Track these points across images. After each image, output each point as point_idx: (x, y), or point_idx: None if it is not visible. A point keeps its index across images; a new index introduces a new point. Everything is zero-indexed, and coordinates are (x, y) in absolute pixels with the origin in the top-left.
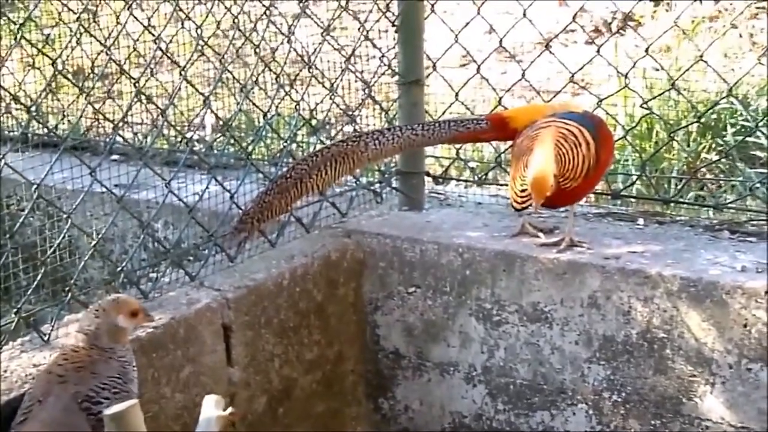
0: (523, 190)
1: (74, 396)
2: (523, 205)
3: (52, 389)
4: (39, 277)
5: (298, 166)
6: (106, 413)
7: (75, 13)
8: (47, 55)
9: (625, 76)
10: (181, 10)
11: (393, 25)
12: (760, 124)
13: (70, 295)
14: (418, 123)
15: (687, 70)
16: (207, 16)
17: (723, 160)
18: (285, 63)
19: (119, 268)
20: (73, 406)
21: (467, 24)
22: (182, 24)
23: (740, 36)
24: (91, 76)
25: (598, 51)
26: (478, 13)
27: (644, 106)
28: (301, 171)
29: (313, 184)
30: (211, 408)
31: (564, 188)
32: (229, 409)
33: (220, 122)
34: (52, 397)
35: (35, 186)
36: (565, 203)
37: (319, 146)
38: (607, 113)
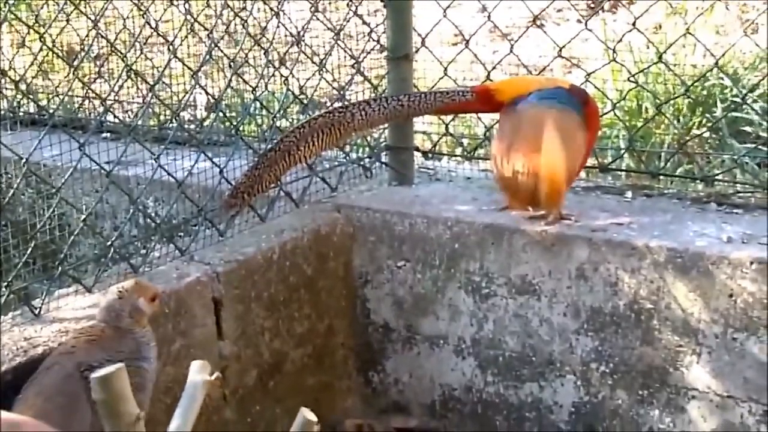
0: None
1: (78, 365)
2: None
3: (60, 359)
4: (29, 252)
5: (285, 138)
6: (93, 377)
7: None
8: (37, 31)
9: (613, 50)
10: None
11: (381, 0)
12: (749, 99)
13: (60, 269)
14: (404, 94)
15: (673, 43)
16: None
17: (713, 135)
18: (273, 38)
19: (109, 243)
20: (75, 374)
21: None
22: (171, 1)
23: (727, 8)
24: (81, 53)
25: (585, 26)
26: None
27: (631, 79)
28: (289, 143)
29: (301, 155)
30: (197, 373)
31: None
32: (215, 374)
33: (211, 99)
34: (57, 366)
35: (24, 160)
36: None
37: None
38: (595, 87)
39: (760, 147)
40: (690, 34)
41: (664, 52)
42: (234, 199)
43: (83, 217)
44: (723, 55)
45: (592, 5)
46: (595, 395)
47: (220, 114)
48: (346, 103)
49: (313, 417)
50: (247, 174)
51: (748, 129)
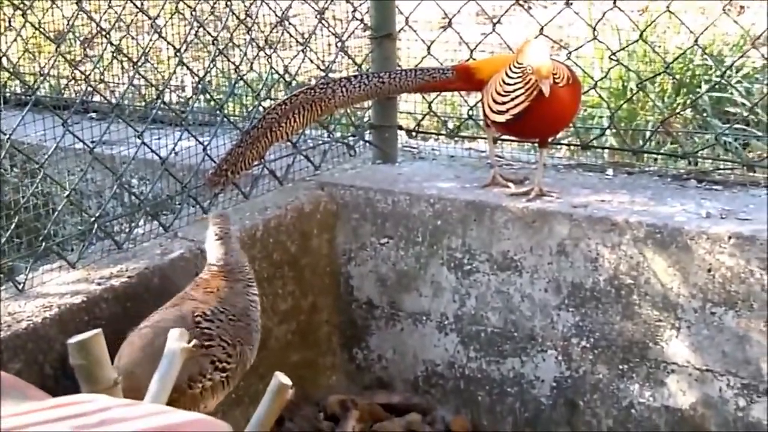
0: (497, 101)
1: (192, 310)
2: (503, 114)
3: (178, 302)
4: (12, 228)
5: (267, 115)
6: (70, 342)
7: None
8: (22, 10)
9: (594, 28)
10: None
11: None
12: (733, 80)
13: (44, 245)
14: (385, 71)
15: (653, 21)
16: None
17: (697, 116)
18: (256, 18)
19: (93, 219)
20: (188, 317)
21: None
22: None
23: None
24: (69, 36)
25: (567, 4)
26: None
27: (613, 57)
28: (271, 120)
29: (282, 132)
30: (176, 341)
31: (545, 103)
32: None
33: (195, 78)
34: (174, 308)
35: (7, 137)
36: (544, 129)
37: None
38: (581, 68)
39: (736, 126)
40: (670, 11)
41: (644, 30)
42: (217, 176)
43: (67, 193)
44: (702, 33)
45: None
46: (576, 370)
47: (205, 94)
48: (327, 79)
49: (287, 381)
50: (231, 152)
51: (732, 110)
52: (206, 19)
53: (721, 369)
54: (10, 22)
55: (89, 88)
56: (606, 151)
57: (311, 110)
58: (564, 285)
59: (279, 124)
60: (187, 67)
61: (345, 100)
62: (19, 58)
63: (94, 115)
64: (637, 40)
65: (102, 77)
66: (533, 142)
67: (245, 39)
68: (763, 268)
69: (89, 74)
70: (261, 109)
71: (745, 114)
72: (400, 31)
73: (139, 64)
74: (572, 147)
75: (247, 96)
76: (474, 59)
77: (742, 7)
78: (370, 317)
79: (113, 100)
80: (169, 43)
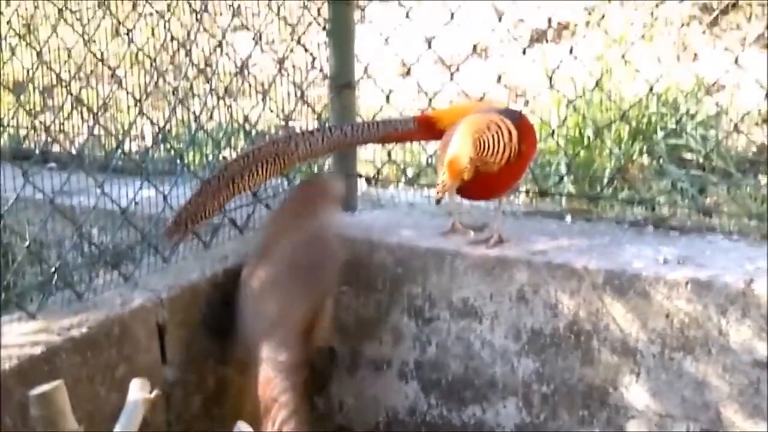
0: (443, 180)
1: None
2: (440, 195)
3: None
4: None
5: (229, 166)
6: (31, 394)
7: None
8: None
9: (550, 78)
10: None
11: (324, 29)
12: (688, 127)
13: (3, 297)
14: (348, 123)
15: (609, 69)
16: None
17: (654, 162)
18: (216, 68)
19: (53, 270)
20: None
21: (398, 27)
22: (116, 31)
23: (674, 43)
24: (28, 87)
25: (523, 52)
26: (407, 17)
27: (569, 104)
28: (233, 172)
29: (244, 184)
30: (137, 391)
31: (484, 176)
32: (155, 392)
33: (156, 128)
34: None
35: None
36: (489, 195)
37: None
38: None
39: (693, 172)
40: (625, 60)
41: (600, 78)
42: (176, 226)
43: (26, 244)
44: (657, 81)
45: (537, 37)
46: (537, 416)
47: (165, 143)
48: (290, 132)
49: (248, 429)
50: (190, 201)
51: (689, 156)
52: (166, 69)
53: (680, 414)
54: None
55: (48, 137)
56: (564, 197)
57: (274, 164)
58: (524, 331)
59: (241, 176)
60: (148, 118)
61: (308, 153)
62: None
63: (54, 164)
64: (593, 89)
65: (62, 127)
66: None
67: (205, 89)
68: (720, 313)
69: (49, 125)
70: (221, 158)
71: (701, 160)
72: (359, 81)
73: (99, 113)
74: (531, 194)
75: (207, 145)
76: (433, 108)
77: (696, 55)
78: (331, 365)
79: (73, 150)
80: (128, 93)
